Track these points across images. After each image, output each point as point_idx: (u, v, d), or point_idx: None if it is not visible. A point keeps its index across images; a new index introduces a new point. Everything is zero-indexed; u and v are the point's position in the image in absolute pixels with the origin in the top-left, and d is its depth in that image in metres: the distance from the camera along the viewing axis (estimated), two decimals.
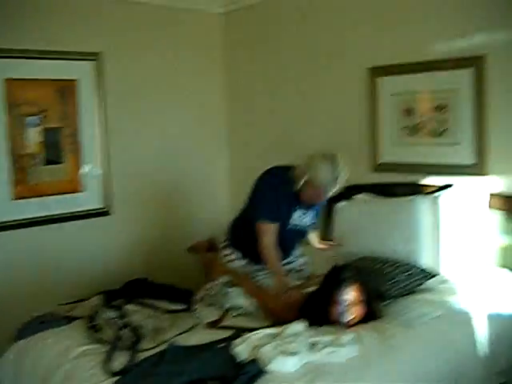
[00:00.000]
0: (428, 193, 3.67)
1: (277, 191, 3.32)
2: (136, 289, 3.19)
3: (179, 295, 3.22)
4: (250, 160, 4.95)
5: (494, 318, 3.01)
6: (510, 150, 3.45)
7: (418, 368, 2.57)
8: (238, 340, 2.59)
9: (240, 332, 2.73)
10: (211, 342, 2.63)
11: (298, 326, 2.67)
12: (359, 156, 4.14)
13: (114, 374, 2.39)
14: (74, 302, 3.25)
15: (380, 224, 3.62)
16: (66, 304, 3.25)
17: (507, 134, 3.45)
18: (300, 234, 3.55)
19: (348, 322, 2.77)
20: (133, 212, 4.62)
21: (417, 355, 2.62)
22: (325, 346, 2.48)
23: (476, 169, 3.57)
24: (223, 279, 3.31)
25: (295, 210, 3.38)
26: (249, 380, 2.25)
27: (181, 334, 2.78)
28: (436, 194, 3.60)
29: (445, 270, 3.36)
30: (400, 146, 3.95)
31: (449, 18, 3.61)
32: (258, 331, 2.66)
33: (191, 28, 4.90)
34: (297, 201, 3.34)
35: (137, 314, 2.80)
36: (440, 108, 3.70)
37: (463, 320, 2.93)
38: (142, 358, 2.50)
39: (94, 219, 4.41)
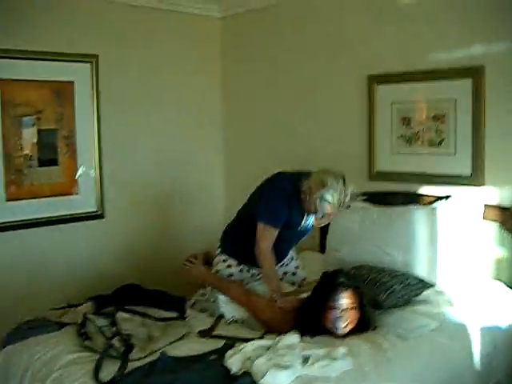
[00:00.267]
0: (425, 203, 3.66)
1: (281, 198, 3.29)
2: (127, 295, 3.15)
3: (171, 302, 3.19)
4: (246, 166, 4.93)
5: (490, 331, 2.99)
6: (506, 161, 3.43)
7: (414, 381, 2.55)
8: (231, 351, 2.56)
9: (233, 342, 2.70)
10: (203, 354, 2.60)
11: (292, 338, 2.65)
12: (356, 164, 4.12)
13: None
14: (66, 307, 3.21)
15: (376, 233, 3.59)
16: (58, 309, 3.21)
17: (504, 145, 3.43)
18: (301, 236, 3.54)
19: (342, 327, 2.75)
20: (126, 216, 4.59)
21: (413, 368, 2.60)
22: (318, 360, 2.46)
23: (472, 179, 3.55)
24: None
25: (299, 214, 3.35)
26: None
27: (172, 343, 2.75)
28: (433, 204, 3.58)
29: (441, 281, 3.34)
30: (397, 154, 3.93)
31: (448, 29, 3.59)
32: (251, 342, 2.63)
33: (189, 32, 4.87)
34: (300, 206, 3.30)
35: (128, 322, 2.76)
36: (438, 118, 3.68)
37: (460, 332, 2.91)
38: (133, 368, 2.46)
39: (87, 222, 4.38)
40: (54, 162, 4.20)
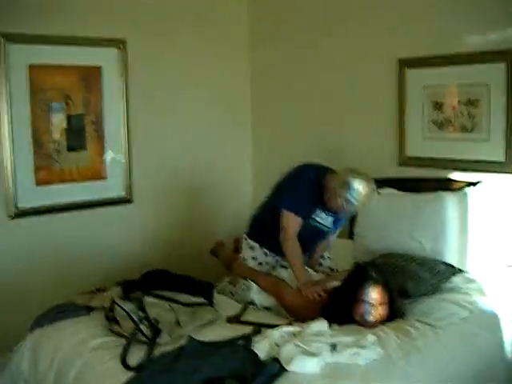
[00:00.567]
0: (455, 189, 3.59)
1: (307, 187, 3.32)
2: (155, 280, 3.15)
3: (199, 288, 3.18)
4: (274, 153, 4.89)
5: None
6: None
7: (443, 371, 2.52)
8: (259, 337, 2.56)
9: (260, 328, 2.68)
10: (231, 339, 2.58)
11: (320, 325, 2.63)
12: (386, 149, 4.06)
13: (131, 369, 2.36)
14: (93, 292, 3.22)
15: (405, 220, 3.54)
16: (86, 294, 3.22)
17: None
18: (320, 234, 3.52)
19: (371, 321, 2.72)
20: (155, 201, 4.58)
21: (442, 357, 2.57)
22: (346, 348, 2.43)
23: (505, 166, 3.47)
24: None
25: (318, 209, 3.35)
26: (269, 379, 2.22)
27: (200, 328, 2.75)
28: (464, 190, 3.51)
29: (471, 270, 3.28)
30: (428, 140, 3.85)
31: (482, 10, 3.49)
32: (278, 328, 2.62)
33: (217, 15, 4.81)
34: (321, 201, 3.32)
35: (155, 306, 2.76)
36: (471, 103, 3.60)
37: (491, 322, 2.87)
38: (160, 353, 2.46)
39: (115, 207, 4.38)
40: (82, 146, 4.20)
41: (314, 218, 3.38)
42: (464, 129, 3.66)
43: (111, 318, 2.77)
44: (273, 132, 4.96)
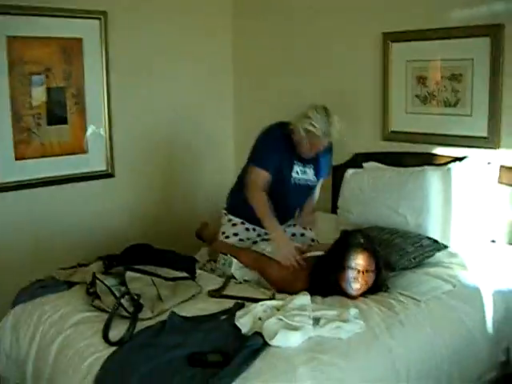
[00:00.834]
0: (439, 164, 3.59)
1: (270, 141, 3.32)
2: (137, 255, 3.13)
3: (181, 262, 3.16)
4: (256, 129, 4.84)
5: (502, 295, 2.95)
6: None
7: (426, 344, 2.54)
8: (241, 312, 2.55)
9: (243, 302, 2.68)
10: (213, 314, 2.58)
11: (302, 299, 2.62)
12: (369, 123, 4.06)
13: (112, 344, 2.35)
14: (75, 267, 3.20)
15: (389, 194, 3.54)
16: (67, 269, 3.19)
17: None
18: (303, 191, 3.48)
19: (357, 288, 2.73)
20: (136, 175, 4.55)
21: (425, 331, 2.58)
22: (329, 321, 2.43)
23: (488, 141, 3.48)
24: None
25: (293, 164, 3.34)
26: (252, 353, 2.20)
27: (182, 302, 2.73)
28: (447, 165, 3.51)
29: (454, 244, 3.29)
30: (412, 114, 3.85)
31: None
32: (261, 303, 2.61)
33: None
34: (294, 154, 3.31)
35: (137, 281, 2.73)
36: (454, 77, 3.59)
37: (473, 296, 2.88)
38: (142, 327, 2.45)
39: (97, 181, 4.34)
40: (63, 120, 4.15)
41: (293, 176, 3.35)
42: (447, 103, 3.66)
43: (92, 293, 2.75)
44: (255, 102, 4.93)
